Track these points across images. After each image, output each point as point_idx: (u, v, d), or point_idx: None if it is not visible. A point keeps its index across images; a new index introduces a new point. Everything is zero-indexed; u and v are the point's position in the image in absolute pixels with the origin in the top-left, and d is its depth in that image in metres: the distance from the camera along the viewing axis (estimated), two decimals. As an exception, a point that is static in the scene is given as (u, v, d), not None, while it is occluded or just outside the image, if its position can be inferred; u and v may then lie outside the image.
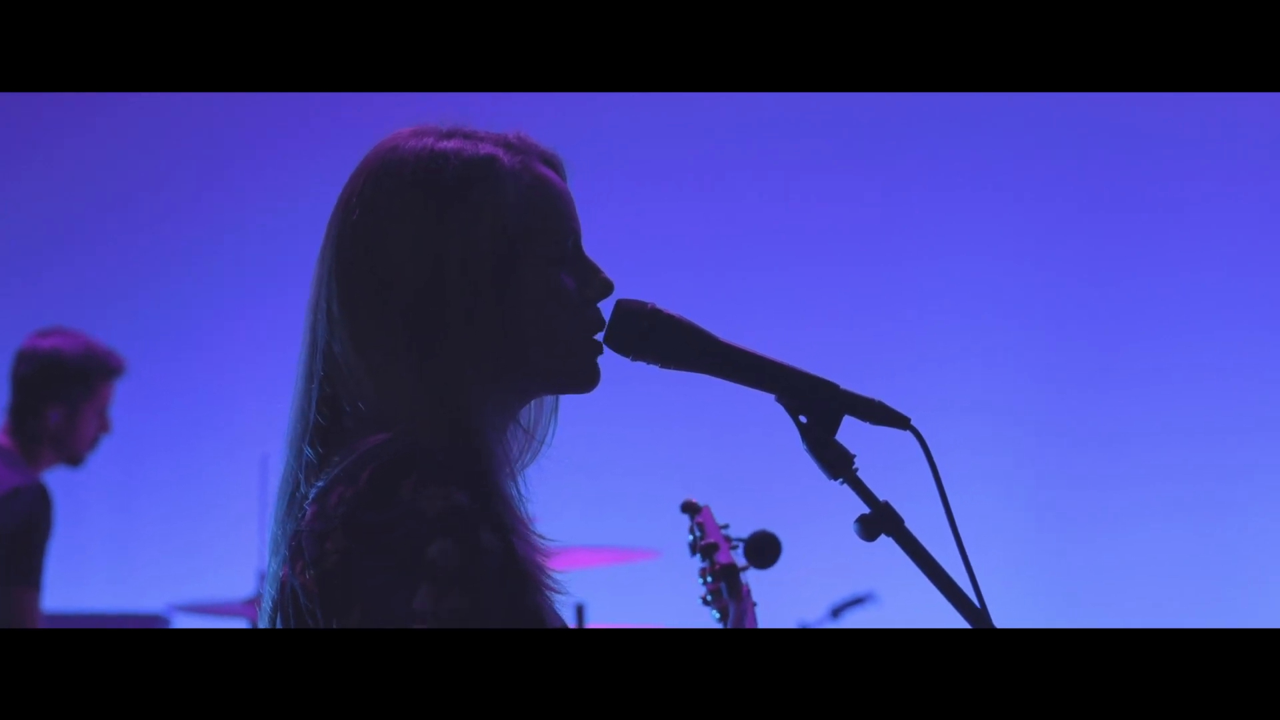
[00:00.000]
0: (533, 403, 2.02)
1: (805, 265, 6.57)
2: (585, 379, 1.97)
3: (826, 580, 5.42)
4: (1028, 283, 6.48)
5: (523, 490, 1.99)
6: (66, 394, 4.69)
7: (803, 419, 1.97)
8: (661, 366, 2.00)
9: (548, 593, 1.88)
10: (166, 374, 6.13)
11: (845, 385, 1.99)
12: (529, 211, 1.93)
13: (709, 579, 2.49)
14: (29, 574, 4.44)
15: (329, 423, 1.91)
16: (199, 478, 6.08)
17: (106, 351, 4.79)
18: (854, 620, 5.33)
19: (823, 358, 6.08)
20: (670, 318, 1.97)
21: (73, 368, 4.70)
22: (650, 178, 6.55)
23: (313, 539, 1.80)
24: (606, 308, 1.99)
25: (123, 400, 4.85)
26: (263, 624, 1.90)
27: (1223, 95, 5.80)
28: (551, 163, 2.01)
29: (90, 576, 6.04)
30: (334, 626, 1.78)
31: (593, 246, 2.02)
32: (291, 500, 1.89)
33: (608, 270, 2.00)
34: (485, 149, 1.95)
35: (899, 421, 1.97)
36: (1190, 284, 6.42)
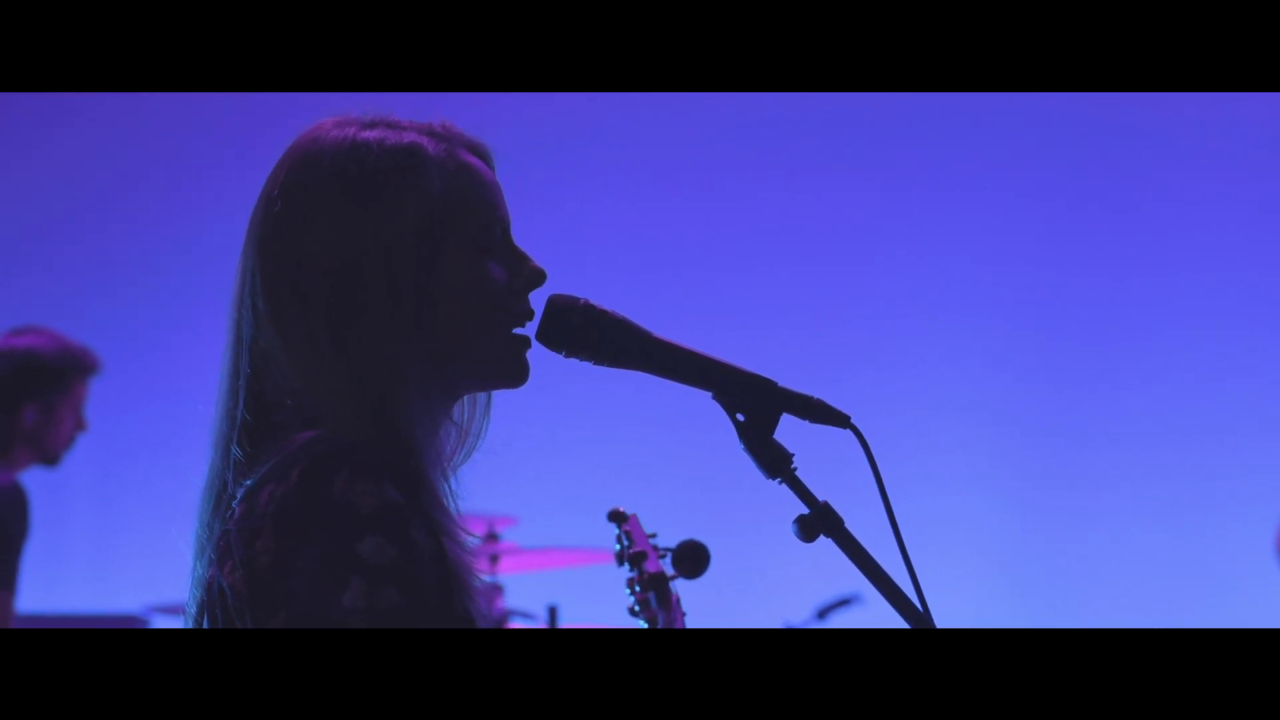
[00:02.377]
0: (465, 399, 1.98)
1: (789, 265, 6.54)
2: (512, 373, 1.93)
3: (812, 582, 5.39)
4: (1014, 283, 6.45)
5: (455, 487, 1.95)
6: (42, 393, 4.66)
7: (740, 417, 1.91)
8: (595, 364, 1.95)
9: (475, 595, 1.84)
10: (145, 373, 6.10)
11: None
12: (453, 200, 1.89)
13: (637, 588, 2.43)
14: (3, 574, 4.41)
15: (257, 420, 1.86)
16: (177, 478, 6.05)
17: (82, 350, 4.75)
18: (840, 622, 5.29)
19: (807, 359, 6.07)
20: (603, 313, 1.93)
21: (48, 367, 4.67)
22: (634, 178, 6.54)
23: (242, 538, 1.75)
24: (541, 300, 1.94)
25: (100, 400, 4.81)
26: (188, 627, 1.86)
27: (1204, 95, 5.77)
28: (478, 151, 1.96)
29: (69, 577, 6.02)
30: (264, 626, 1.73)
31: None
32: (218, 501, 1.85)
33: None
34: (408, 138, 1.90)
35: (838, 420, 1.92)
36: (1178, 284, 6.40)
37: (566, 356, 1.94)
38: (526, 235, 1.97)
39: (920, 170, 6.50)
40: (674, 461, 6.16)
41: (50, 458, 4.71)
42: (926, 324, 6.45)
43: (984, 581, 6.15)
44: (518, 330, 1.93)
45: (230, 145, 6.36)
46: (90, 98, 6.07)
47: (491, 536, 4.65)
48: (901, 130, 6.49)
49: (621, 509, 2.52)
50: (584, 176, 6.50)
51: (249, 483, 1.80)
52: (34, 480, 4.71)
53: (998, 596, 6.13)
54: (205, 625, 1.80)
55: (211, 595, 1.79)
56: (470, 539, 1.89)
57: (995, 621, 5.39)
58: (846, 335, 6.46)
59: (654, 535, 2.52)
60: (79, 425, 4.74)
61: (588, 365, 1.96)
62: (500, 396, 1.99)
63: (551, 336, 1.92)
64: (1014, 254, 6.45)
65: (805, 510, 1.90)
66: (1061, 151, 6.48)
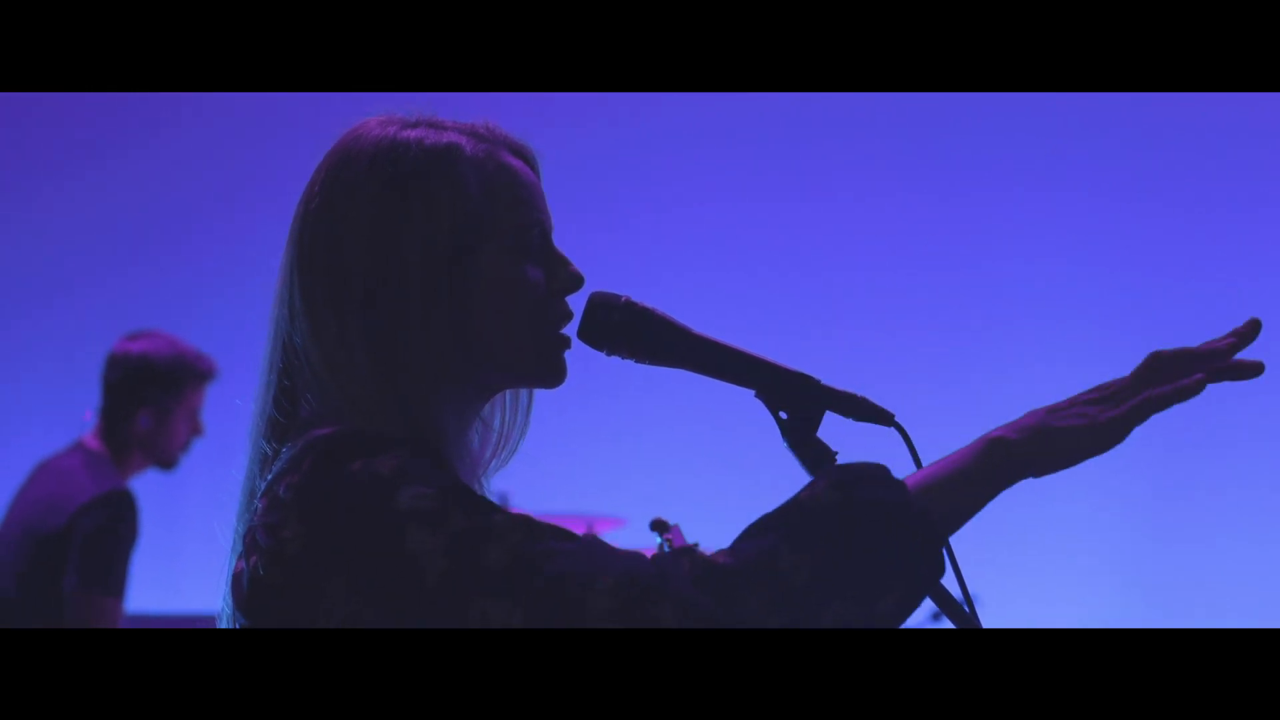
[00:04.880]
0: (507, 398, 1.98)
1: (907, 268, 6.51)
2: (549, 373, 1.91)
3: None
4: (1138, 285, 6.36)
5: (485, 488, 1.95)
6: (156, 398, 4.70)
7: (783, 415, 1.89)
8: (636, 361, 1.93)
9: None
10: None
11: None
12: (491, 201, 1.88)
13: None
14: (110, 580, 4.45)
15: (286, 418, 1.87)
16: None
17: (197, 355, 4.79)
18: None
19: (929, 363, 5.97)
20: (645, 310, 1.91)
21: (163, 372, 4.71)
22: (670, 179, 6.53)
23: (267, 532, 1.75)
24: (583, 300, 1.93)
25: (216, 401, 4.85)
26: (222, 625, 1.87)
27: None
28: (520, 153, 1.95)
29: (187, 578, 6.08)
30: (307, 611, 1.73)
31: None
32: (250, 498, 1.86)
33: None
34: (448, 138, 1.90)
35: (882, 417, 1.88)
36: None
37: (608, 355, 1.93)
38: (568, 237, 1.96)
39: (1044, 170, 6.44)
40: (718, 460, 6.11)
41: (165, 463, 4.75)
42: (1049, 328, 6.38)
43: (1109, 589, 6.08)
44: (554, 332, 1.91)
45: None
46: (201, 97, 6.13)
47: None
48: (1030, 129, 6.43)
49: (664, 519, 2.50)
50: (648, 176, 6.51)
51: (269, 477, 1.80)
52: (152, 482, 4.76)
53: (1122, 603, 6.06)
54: (237, 619, 1.81)
55: (238, 589, 1.79)
56: None
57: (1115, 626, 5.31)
58: (969, 340, 6.40)
59: (695, 545, 2.49)
60: (195, 430, 4.78)
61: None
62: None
63: (593, 334, 1.91)
64: (1139, 256, 6.36)
65: None
66: (1189, 151, 6.38)
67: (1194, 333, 1.87)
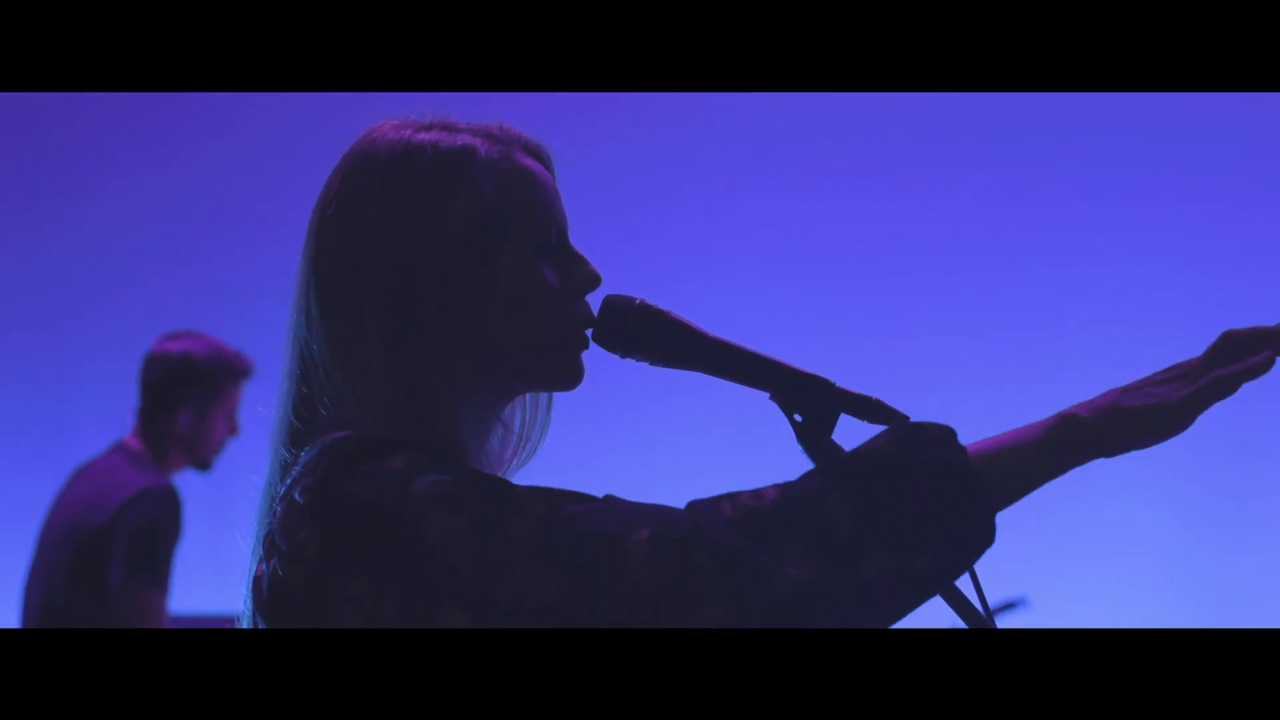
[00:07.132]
0: (526, 401, 1.98)
1: (956, 269, 6.49)
2: (567, 376, 1.92)
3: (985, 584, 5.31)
4: (1185, 286, 6.32)
5: None
6: (196, 397, 4.73)
7: (797, 418, 1.88)
8: (651, 364, 1.93)
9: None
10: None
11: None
12: (507, 203, 1.88)
13: None
14: (154, 576, 4.48)
15: (305, 424, 1.88)
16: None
17: (235, 354, 4.82)
18: (1004, 625, 5.23)
19: (980, 365, 5.94)
20: (659, 313, 1.91)
21: (203, 371, 4.74)
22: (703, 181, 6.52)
23: (285, 535, 1.77)
24: (598, 302, 1.93)
25: (261, 400, 4.85)
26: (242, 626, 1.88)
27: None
28: (536, 153, 1.95)
29: (233, 580, 6.11)
30: (331, 611, 1.73)
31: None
32: (270, 503, 1.87)
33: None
34: (462, 140, 1.89)
35: (896, 420, 1.87)
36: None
37: (623, 357, 1.93)
38: (584, 237, 1.96)
39: (1091, 174, 6.41)
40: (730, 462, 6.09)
41: (202, 462, 4.78)
42: (1096, 331, 6.35)
43: (1158, 589, 6.05)
44: (573, 333, 1.91)
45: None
46: (247, 97, 6.15)
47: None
48: (1083, 132, 6.41)
49: None
50: (662, 177, 6.50)
51: (288, 482, 1.81)
52: (206, 482, 4.78)
53: (1172, 604, 6.03)
54: (257, 621, 1.82)
55: (258, 593, 1.81)
56: None
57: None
58: (982, 342, 6.38)
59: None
60: (231, 430, 4.81)
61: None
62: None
63: (607, 337, 1.91)
64: (1186, 258, 6.32)
65: None
66: (1228, 149, 6.34)
67: (1214, 332, 1.85)
